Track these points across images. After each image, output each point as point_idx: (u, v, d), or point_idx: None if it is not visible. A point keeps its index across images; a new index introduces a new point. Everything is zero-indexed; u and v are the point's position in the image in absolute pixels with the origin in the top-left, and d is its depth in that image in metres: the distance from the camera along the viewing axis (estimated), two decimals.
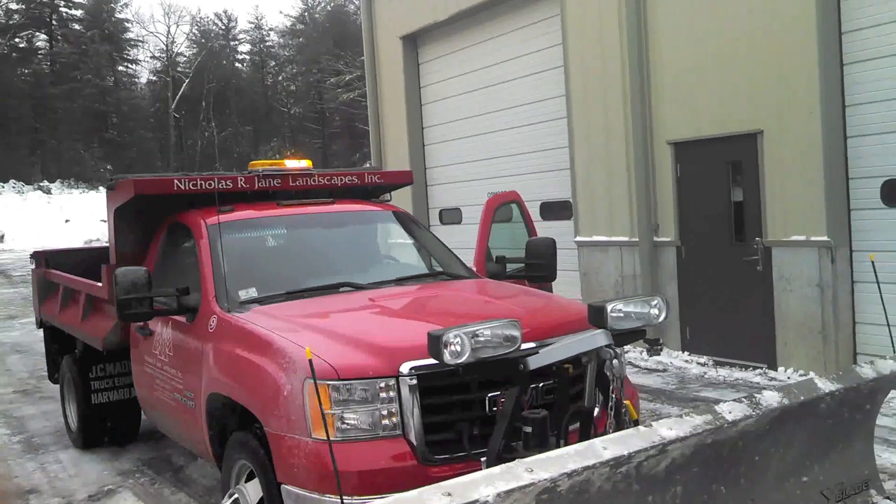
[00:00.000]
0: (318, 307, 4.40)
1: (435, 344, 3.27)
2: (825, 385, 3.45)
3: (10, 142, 52.07)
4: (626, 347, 8.76)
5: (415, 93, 12.57)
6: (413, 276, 5.07)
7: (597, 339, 3.52)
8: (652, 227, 8.56)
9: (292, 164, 5.72)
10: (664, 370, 8.07)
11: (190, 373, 4.58)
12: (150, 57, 69.56)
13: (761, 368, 7.55)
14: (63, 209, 44.47)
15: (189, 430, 4.72)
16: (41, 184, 49.92)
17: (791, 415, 3.36)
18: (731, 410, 3.15)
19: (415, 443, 3.55)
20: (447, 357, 3.27)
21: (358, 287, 4.69)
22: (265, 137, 65.92)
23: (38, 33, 61.48)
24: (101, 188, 50.19)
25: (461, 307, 4.51)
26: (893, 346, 4.04)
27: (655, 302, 3.88)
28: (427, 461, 3.54)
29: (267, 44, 73.58)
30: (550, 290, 6.27)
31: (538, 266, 5.53)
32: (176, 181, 5.28)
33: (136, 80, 68.27)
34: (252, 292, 4.57)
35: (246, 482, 3.99)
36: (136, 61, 67.87)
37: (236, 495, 3.98)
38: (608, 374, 3.50)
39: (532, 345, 3.62)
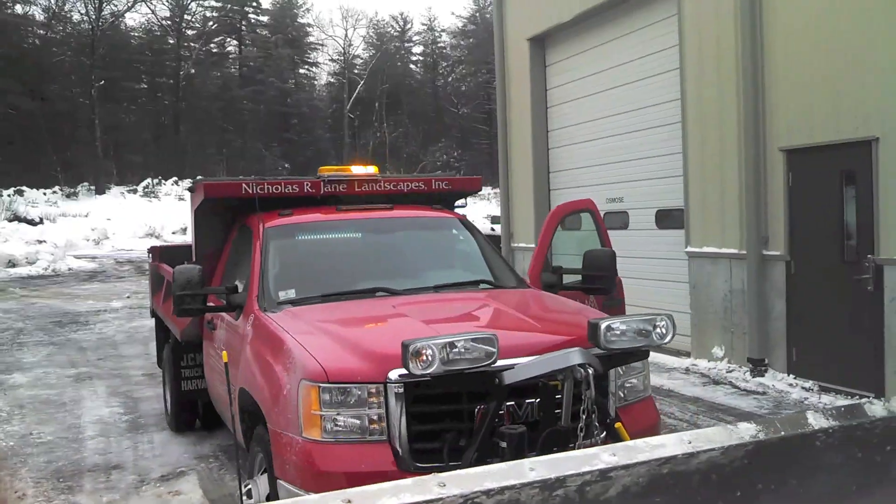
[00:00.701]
0: (343, 311, 4.50)
1: (405, 353, 3.30)
2: (816, 421, 3.16)
3: (200, 141, 56.33)
4: (713, 365, 8.40)
5: (541, 95, 12.47)
6: (454, 283, 5.06)
7: (570, 357, 3.42)
8: (761, 239, 8.06)
9: (358, 170, 5.89)
10: (763, 393, 7.59)
11: (233, 367, 4.84)
12: (329, 60, 72.99)
13: (868, 398, 6.94)
14: None
15: (231, 422, 4.98)
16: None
17: (775, 450, 3.11)
18: (692, 440, 2.96)
19: (399, 449, 3.58)
20: (413, 367, 3.29)
21: (392, 293, 4.76)
22: (434, 138, 67.42)
23: (229, 38, 66.15)
24: None
25: (483, 316, 4.47)
26: None
27: (660, 321, 3.71)
28: (409, 469, 3.56)
29: (439, 45, 75.33)
30: (618, 303, 6.12)
31: (596, 278, 5.39)
32: (244, 185, 5.58)
33: (315, 82, 71.89)
34: (291, 293, 4.75)
35: (260, 475, 4.17)
36: (315, 64, 71.54)
37: (250, 486, 4.17)
38: (584, 394, 3.38)
39: (521, 360, 3.55)
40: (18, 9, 49.91)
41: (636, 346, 3.68)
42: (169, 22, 60.39)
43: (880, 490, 3.54)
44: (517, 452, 3.35)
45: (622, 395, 4.12)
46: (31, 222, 33.22)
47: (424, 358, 3.29)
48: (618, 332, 3.59)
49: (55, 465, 6.24)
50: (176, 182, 49.67)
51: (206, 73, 60.33)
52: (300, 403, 3.65)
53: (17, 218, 33.36)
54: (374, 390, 3.59)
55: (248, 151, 58.64)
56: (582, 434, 3.36)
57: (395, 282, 4.93)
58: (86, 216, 37.12)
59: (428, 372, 3.31)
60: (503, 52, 13.17)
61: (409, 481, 2.68)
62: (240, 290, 4.96)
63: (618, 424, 3.66)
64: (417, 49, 76.44)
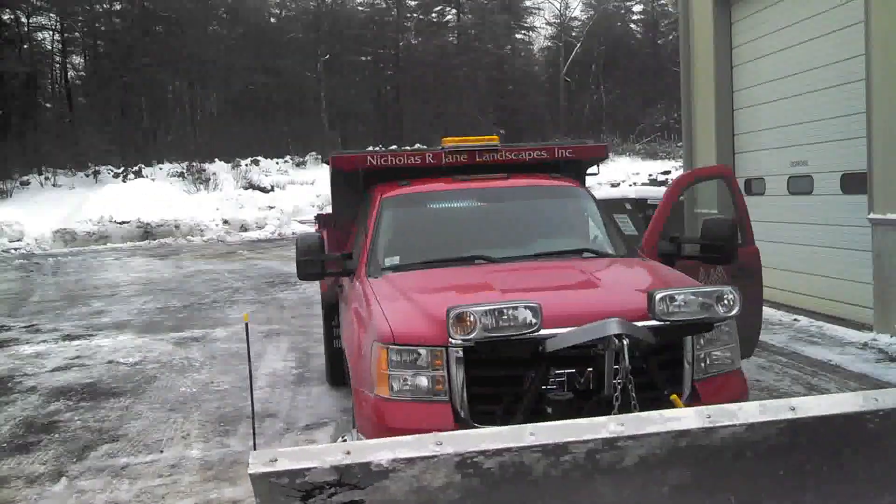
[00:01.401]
0: (434, 278, 4.70)
1: (448, 319, 3.45)
2: (867, 402, 2.94)
3: (416, 109, 58.41)
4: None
5: (725, 54, 11.83)
6: (558, 251, 5.08)
7: (607, 326, 3.40)
8: None
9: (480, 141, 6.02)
10: None
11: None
12: (545, 24, 72.57)
13: None
14: None
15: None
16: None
17: (814, 430, 2.94)
18: (713, 415, 2.88)
19: (459, 410, 3.75)
20: (455, 332, 3.44)
21: (490, 260, 4.88)
22: (653, 100, 65.29)
23: (448, 7, 67.62)
24: None
25: (562, 284, 4.47)
26: None
27: (725, 293, 3.58)
28: (467, 428, 3.72)
29: (660, 2, 72.43)
30: (751, 273, 5.83)
31: (713, 247, 5.20)
32: (369, 157, 5.91)
33: (531, 46, 71.83)
34: (395, 260, 5.03)
35: (353, 429, 4.51)
36: (532, 28, 71.41)
37: (346, 438, 4.51)
38: (620, 364, 3.36)
39: (567, 329, 3.57)
40: None
41: (696, 319, 3.59)
42: None
43: None
44: (563, 419, 3.40)
45: (702, 366, 4.00)
46: (264, 190, 36.30)
47: (466, 324, 3.43)
48: (675, 304, 3.53)
49: (222, 410, 7.00)
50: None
51: (427, 43, 62.30)
52: (373, 362, 3.93)
53: (251, 186, 36.62)
54: (437, 353, 3.78)
55: (464, 118, 59.96)
56: (617, 404, 3.34)
57: (496, 250, 5.05)
58: (311, 184, 39.90)
59: (470, 337, 3.45)
60: (687, 9, 12.61)
61: (408, 438, 2.87)
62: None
63: (673, 396, 3.60)
64: (637, 7, 74.05)
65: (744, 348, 6.16)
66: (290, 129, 49.66)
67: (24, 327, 12.23)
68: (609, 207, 14.62)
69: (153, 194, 30.08)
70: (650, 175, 39.53)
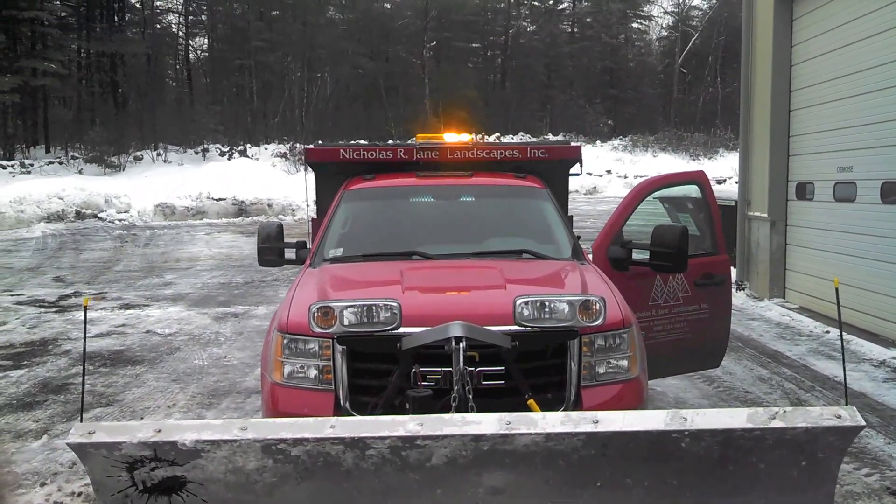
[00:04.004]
0: (359, 271, 4.84)
1: (308, 313, 3.60)
2: (684, 422, 2.91)
3: (524, 98, 58.17)
4: None
5: (784, 51, 11.36)
6: (497, 251, 5.11)
7: (449, 329, 3.46)
8: None
9: (452, 137, 6.09)
10: None
11: None
12: (663, 12, 70.66)
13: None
14: None
15: None
16: (545, 137, 54.84)
17: (624, 445, 2.95)
18: (512, 422, 2.93)
19: (341, 400, 3.90)
20: (313, 326, 3.59)
21: (426, 257, 4.97)
22: None
23: None
24: (598, 142, 53.62)
25: (469, 285, 4.50)
26: None
27: (591, 302, 3.58)
28: (344, 415, 3.86)
29: None
30: (720, 282, 5.70)
31: (663, 254, 5.12)
32: (342, 151, 6.09)
33: (646, 36, 70.14)
34: (339, 252, 5.19)
35: None
36: (649, 17, 69.65)
37: None
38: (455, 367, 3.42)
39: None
40: None
41: (557, 327, 3.60)
42: None
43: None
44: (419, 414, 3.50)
45: (591, 373, 3.99)
46: None
47: (328, 319, 3.57)
48: (535, 310, 3.56)
49: (218, 384, 7.38)
50: (498, 138, 52.08)
51: (539, 31, 61.93)
52: (271, 349, 4.13)
53: None
54: (324, 343, 3.93)
55: (571, 108, 59.30)
56: (454, 404, 3.41)
57: (438, 246, 5.14)
58: None
59: (329, 331, 3.60)
60: (750, 4, 12.16)
61: (217, 422, 3.07)
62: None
63: (530, 401, 3.62)
64: None
65: (711, 358, 6.08)
66: (395, 115, 50.43)
67: (93, 293, 13.09)
68: (673, 206, 14.36)
69: (252, 173, 31.29)
70: None
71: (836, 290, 3.41)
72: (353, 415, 3.84)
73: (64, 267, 16.82)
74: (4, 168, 32.58)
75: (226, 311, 11.21)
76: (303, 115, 47.62)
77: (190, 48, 54.24)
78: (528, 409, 3.61)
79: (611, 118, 60.09)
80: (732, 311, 10.80)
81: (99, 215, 27.40)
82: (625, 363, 4.07)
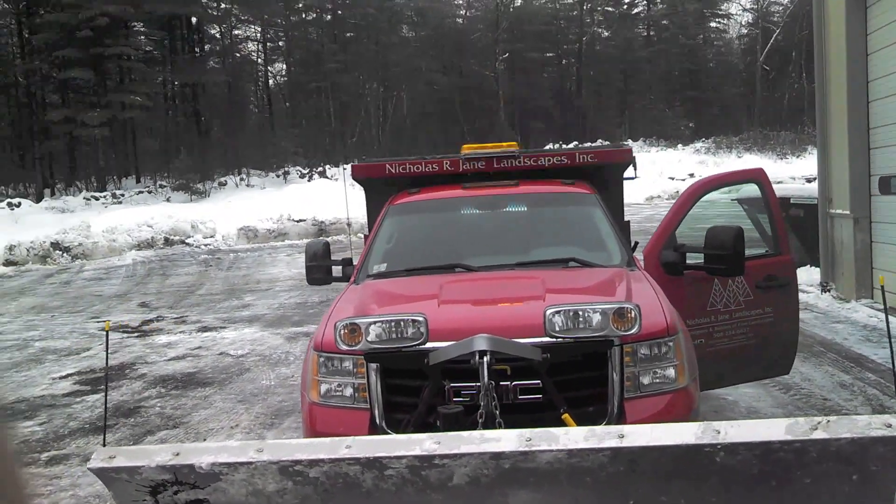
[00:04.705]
0: (401, 286, 4.77)
1: (334, 330, 3.55)
2: (707, 434, 2.72)
3: (601, 104, 57.51)
4: None
5: (858, 40, 10.83)
6: (543, 261, 4.97)
7: (474, 343, 3.35)
8: None
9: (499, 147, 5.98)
10: None
11: None
12: (742, 10, 68.87)
13: None
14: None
15: None
16: (623, 143, 53.87)
17: (649, 461, 2.78)
18: (533, 438, 2.79)
19: (376, 418, 3.84)
20: (340, 343, 3.53)
21: (468, 269, 4.87)
22: None
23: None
24: (679, 146, 52.49)
25: (508, 296, 4.37)
26: None
27: (625, 310, 3.41)
28: (380, 433, 3.79)
29: None
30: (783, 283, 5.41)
31: (718, 257, 4.89)
32: (388, 165, 6.06)
33: (726, 34, 68.42)
34: (382, 267, 5.15)
35: None
36: (727, 16, 67.97)
37: None
38: (483, 381, 3.30)
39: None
40: None
41: (589, 337, 3.45)
42: None
43: None
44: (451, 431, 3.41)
45: (635, 384, 3.81)
46: None
47: (355, 335, 3.52)
48: (565, 320, 3.42)
49: (282, 404, 7.43)
50: (576, 146, 51.57)
51: (614, 36, 61.25)
52: (309, 368, 4.10)
53: None
54: (358, 361, 3.88)
55: (650, 112, 58.32)
56: (481, 421, 3.29)
57: (482, 258, 5.04)
58: None
59: (356, 348, 3.54)
60: None
61: (233, 444, 3.04)
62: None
63: (565, 416, 3.47)
64: None
65: (779, 365, 5.77)
66: (470, 129, 50.58)
67: (175, 318, 13.46)
68: (752, 207, 13.92)
69: (331, 193, 31.74)
70: None
71: (882, 287, 3.16)
72: (388, 433, 3.77)
73: (150, 293, 17.37)
74: (97, 199, 34.01)
75: (298, 331, 11.34)
76: (379, 133, 48.23)
77: (269, 73, 55.75)
78: (563, 424, 3.47)
79: (692, 120, 58.81)
80: (816, 315, 10.47)
81: (186, 241, 28.26)
82: (671, 372, 3.89)
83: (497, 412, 3.31)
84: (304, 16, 52.41)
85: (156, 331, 12.17)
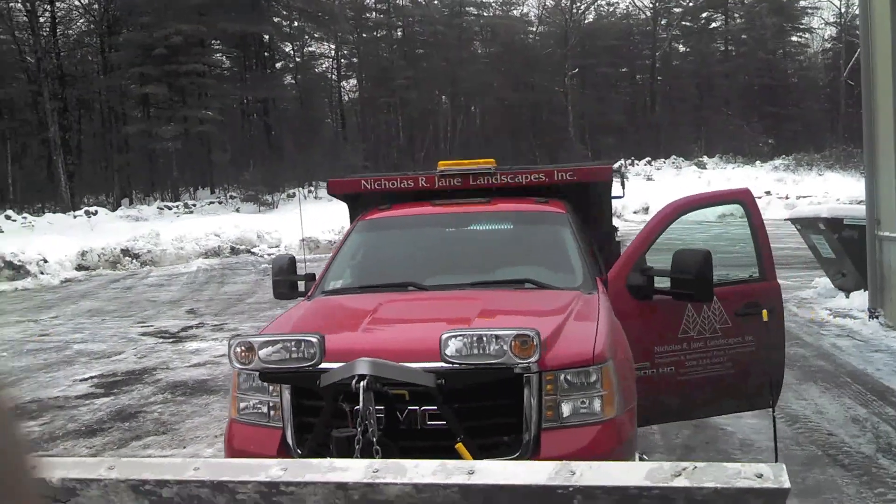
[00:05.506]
0: (344, 304, 4.70)
1: (229, 348, 3.48)
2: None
3: (675, 120, 56.43)
4: None
5: None
6: (497, 281, 4.81)
7: (355, 366, 3.23)
8: None
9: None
10: None
11: None
12: (824, 24, 66.58)
13: None
14: (710, 183, 46.47)
15: None
16: (699, 159, 52.69)
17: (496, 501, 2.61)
18: (380, 469, 2.65)
19: (287, 437, 3.76)
20: (234, 361, 3.46)
21: (420, 288, 4.75)
22: None
23: (715, 13, 64.27)
24: (757, 162, 50.99)
25: (439, 316, 4.22)
26: None
27: (526, 337, 3.23)
28: (291, 455, 3.70)
29: None
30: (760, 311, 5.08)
31: (684, 282, 4.64)
32: (363, 181, 5.98)
33: (808, 49, 66.25)
34: (338, 283, 5.07)
35: None
36: (808, 30, 65.78)
37: None
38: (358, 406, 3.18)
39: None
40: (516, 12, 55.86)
41: (483, 364, 3.29)
42: (651, 4, 61.41)
43: None
44: (342, 455, 3.31)
45: (556, 415, 3.62)
46: None
47: (248, 354, 3.45)
48: (459, 346, 3.27)
49: None
50: (649, 162, 50.70)
51: (692, 51, 60.17)
52: (232, 384, 4.06)
53: None
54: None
55: (727, 128, 56.84)
56: (358, 447, 3.16)
57: (438, 277, 4.92)
58: None
59: (249, 367, 3.47)
60: (865, 5, 11.14)
61: (91, 460, 3.00)
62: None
63: (458, 445, 3.32)
64: None
65: (760, 397, 5.43)
66: (537, 143, 50.33)
67: (214, 325, 13.69)
68: (805, 228, 13.35)
69: None
70: None
71: None
72: (297, 452, 3.69)
73: (202, 300, 17.73)
74: (170, 209, 35.10)
75: None
76: (448, 148, 48.39)
77: (342, 89, 56.65)
78: (457, 454, 3.32)
79: (771, 137, 57.04)
80: (856, 343, 9.91)
81: (252, 250, 28.90)
82: (597, 403, 3.67)
83: (374, 439, 3.18)
84: (375, 33, 53.12)
85: (190, 337, 12.38)
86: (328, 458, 2.95)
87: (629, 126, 56.36)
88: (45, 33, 41.85)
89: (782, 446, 6.11)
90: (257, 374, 3.69)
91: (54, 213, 33.85)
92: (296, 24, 49.73)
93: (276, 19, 47.20)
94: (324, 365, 3.42)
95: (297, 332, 4.03)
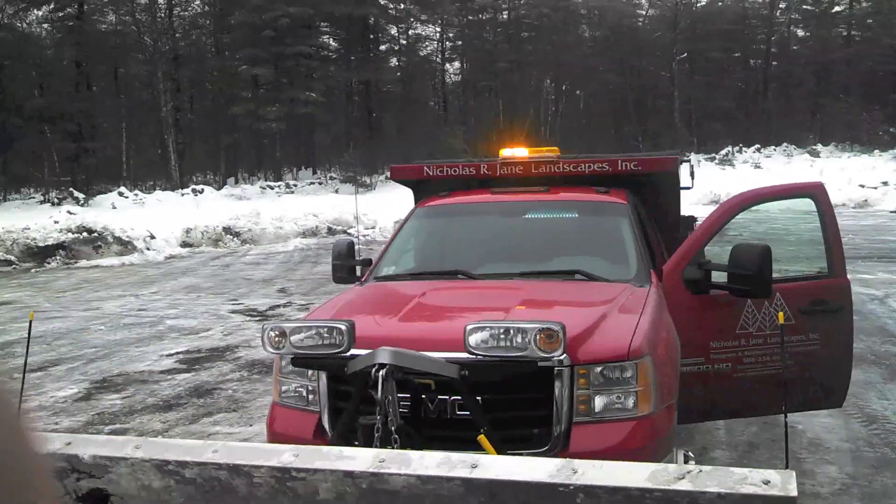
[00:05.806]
0: (393, 290, 4.70)
1: (262, 334, 3.54)
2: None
3: (789, 107, 54.13)
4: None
5: None
6: (547, 271, 4.72)
7: (376, 355, 3.22)
8: None
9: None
10: None
11: None
12: None
13: None
14: (822, 172, 44.36)
15: None
16: (813, 147, 50.34)
17: (498, 495, 2.57)
18: (386, 459, 2.64)
19: (324, 421, 3.81)
20: (266, 346, 3.52)
21: (469, 276, 4.70)
22: None
23: None
24: (875, 151, 48.35)
25: (495, 304, 4.16)
26: None
27: (551, 331, 3.16)
28: (327, 438, 3.76)
29: None
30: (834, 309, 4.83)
31: (741, 277, 4.45)
32: (425, 168, 5.97)
33: None
34: (391, 269, 5.09)
35: None
36: None
37: None
38: (377, 394, 3.17)
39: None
40: None
41: (505, 357, 3.24)
42: None
43: None
44: (367, 442, 3.34)
45: (587, 409, 3.54)
46: None
47: (276, 339, 3.51)
48: (481, 337, 3.24)
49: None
50: (758, 150, 48.84)
51: (812, 35, 57.58)
52: (275, 368, 4.14)
53: None
54: None
55: (845, 116, 54.10)
56: (378, 435, 3.17)
57: (488, 266, 4.87)
58: None
59: (280, 352, 3.52)
60: None
61: (120, 438, 3.12)
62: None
63: (480, 437, 3.28)
64: None
65: (826, 397, 5.17)
66: (641, 129, 49.23)
67: (302, 304, 14.05)
68: None
69: None
70: None
71: None
72: (331, 437, 3.74)
73: (294, 279, 18.17)
74: (272, 188, 36.10)
75: None
76: (548, 132, 47.94)
77: (445, 72, 56.81)
78: (479, 445, 3.29)
79: (893, 125, 53.95)
80: None
81: (348, 231, 29.45)
82: (630, 399, 3.58)
83: (392, 428, 3.19)
84: (480, 16, 52.99)
85: (277, 316, 12.72)
86: (338, 447, 2.97)
87: (738, 112, 54.39)
88: (161, 15, 43.62)
89: (854, 447, 5.83)
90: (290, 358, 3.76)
91: (164, 190, 35.32)
92: (402, 6, 50.12)
93: (382, 1, 47.71)
94: (353, 352, 3.45)
95: (339, 317, 4.07)
